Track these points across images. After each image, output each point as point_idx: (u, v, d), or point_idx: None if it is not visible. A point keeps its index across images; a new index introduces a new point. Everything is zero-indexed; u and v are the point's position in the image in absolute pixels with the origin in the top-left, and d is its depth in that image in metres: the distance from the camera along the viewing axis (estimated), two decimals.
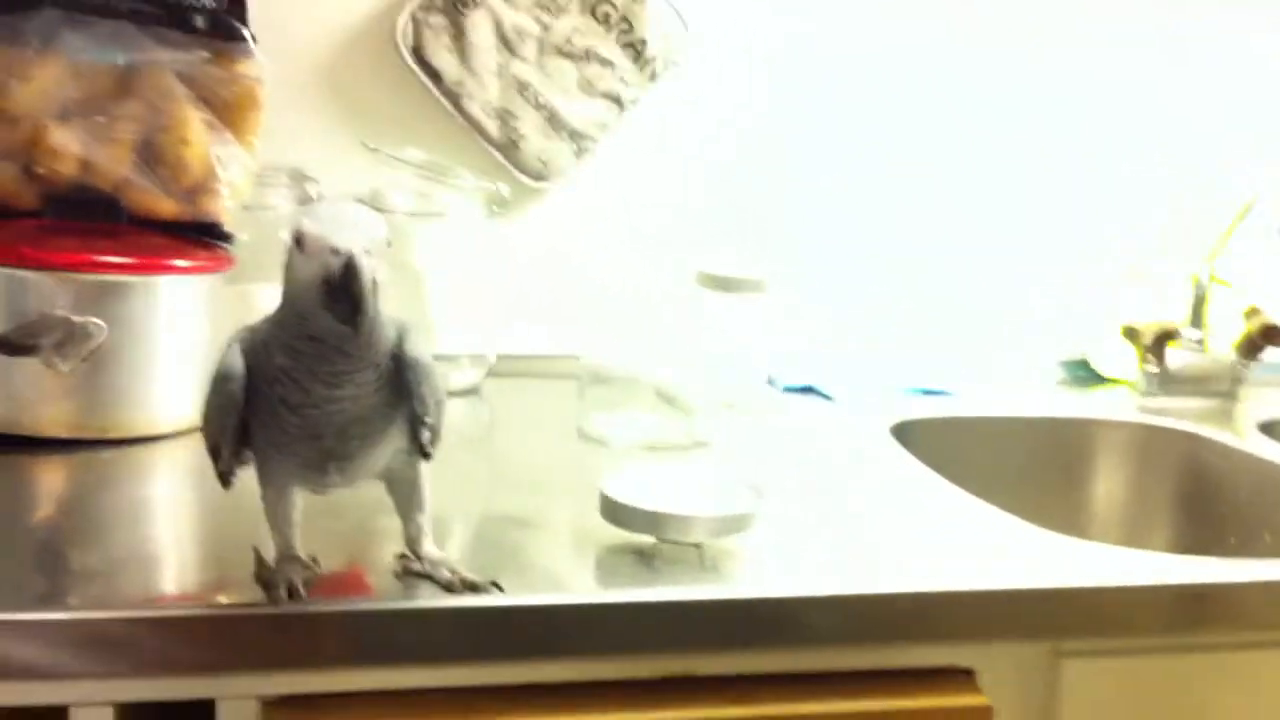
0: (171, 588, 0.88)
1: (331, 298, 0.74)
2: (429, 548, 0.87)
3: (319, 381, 0.77)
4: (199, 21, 1.23)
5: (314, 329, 0.76)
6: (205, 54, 1.24)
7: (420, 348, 0.81)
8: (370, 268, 0.73)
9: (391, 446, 0.83)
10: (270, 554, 0.84)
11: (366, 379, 0.78)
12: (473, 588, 0.84)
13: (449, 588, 0.84)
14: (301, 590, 0.81)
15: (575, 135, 1.53)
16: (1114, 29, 1.67)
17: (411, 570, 0.87)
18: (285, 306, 0.78)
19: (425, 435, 0.83)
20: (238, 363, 0.79)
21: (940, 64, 1.64)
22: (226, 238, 1.23)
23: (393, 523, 0.89)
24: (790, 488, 1.16)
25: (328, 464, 0.81)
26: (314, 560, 0.85)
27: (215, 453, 0.81)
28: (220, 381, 0.79)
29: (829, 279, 1.64)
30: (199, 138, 1.21)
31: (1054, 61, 1.67)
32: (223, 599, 0.82)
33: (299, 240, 0.75)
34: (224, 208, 1.23)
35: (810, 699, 0.90)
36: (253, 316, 0.81)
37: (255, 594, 0.82)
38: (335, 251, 0.73)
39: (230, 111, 1.25)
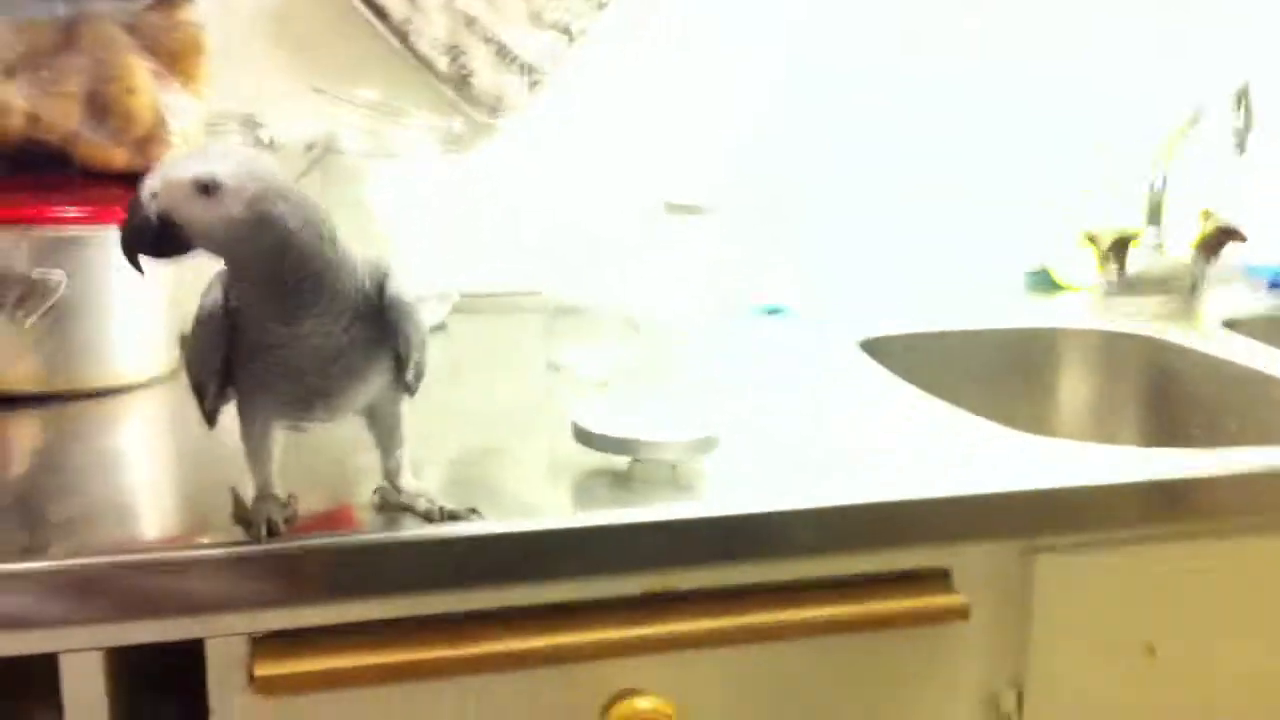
0: (153, 532, 0.88)
1: None
2: (408, 479, 0.88)
3: (275, 320, 0.78)
4: None
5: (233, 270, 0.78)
6: (147, 2, 1.23)
7: (401, 287, 0.81)
8: (155, 207, 0.74)
9: (376, 383, 0.84)
10: (248, 494, 0.85)
11: (326, 318, 0.78)
12: (452, 516, 0.85)
13: (428, 517, 0.85)
14: (281, 527, 0.82)
15: (526, 68, 1.52)
16: None
17: (391, 502, 0.88)
18: None
19: (410, 373, 0.84)
20: (218, 301, 0.79)
21: None
22: None
23: (368, 460, 0.89)
24: (762, 402, 1.17)
25: (313, 400, 0.82)
26: (292, 497, 0.85)
27: (200, 391, 0.82)
28: (202, 321, 0.80)
29: (793, 201, 1.64)
30: (145, 86, 1.20)
31: None
32: (205, 539, 0.82)
33: None
34: None
35: (791, 607, 0.91)
36: (208, 264, 0.81)
37: (236, 534, 0.82)
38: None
39: (176, 59, 1.24)
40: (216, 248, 0.76)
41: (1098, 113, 1.72)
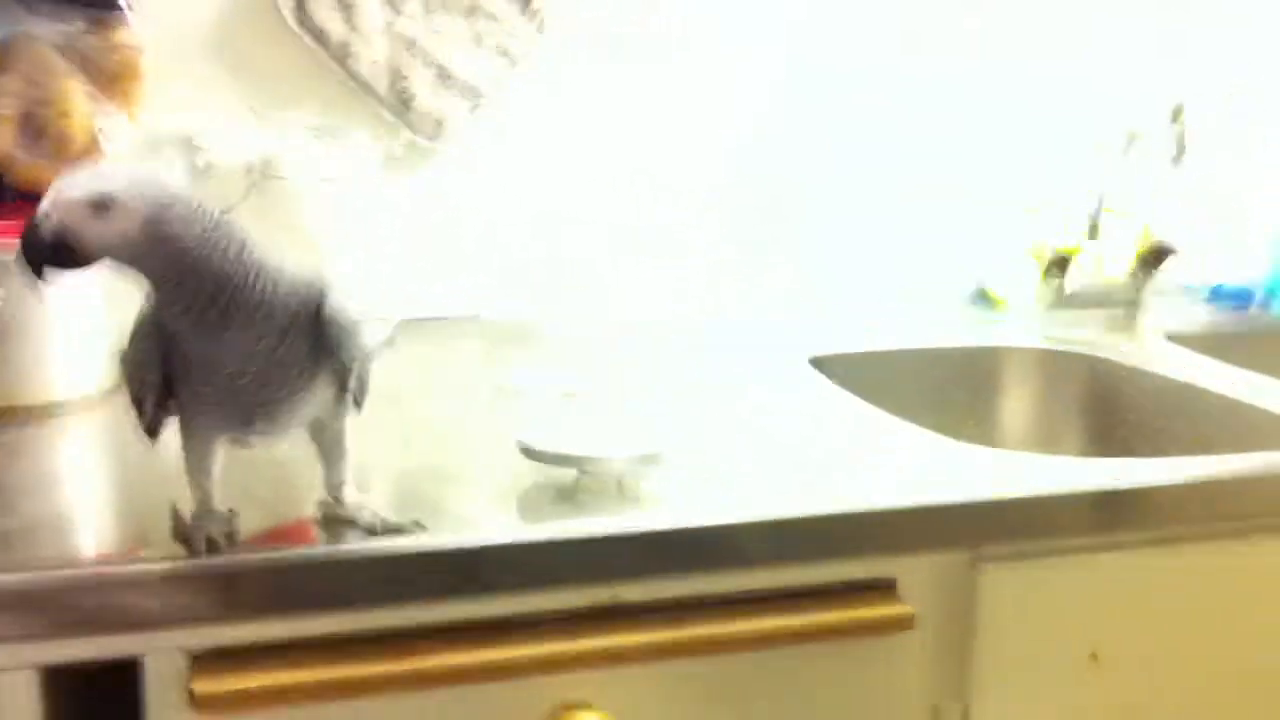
0: (91, 549, 0.87)
1: None
2: (351, 493, 0.87)
3: (194, 335, 0.78)
4: None
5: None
6: (82, 24, 1.22)
7: (340, 302, 0.81)
8: (50, 226, 0.73)
9: (318, 399, 0.83)
10: (188, 510, 0.83)
11: (248, 331, 0.78)
12: (395, 529, 0.85)
13: (371, 530, 0.85)
14: (221, 543, 0.81)
15: (467, 91, 1.52)
16: None
17: (333, 516, 0.87)
18: None
19: (353, 388, 0.84)
20: (149, 315, 0.79)
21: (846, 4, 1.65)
22: None
23: (312, 474, 0.88)
24: (708, 417, 1.18)
25: (253, 416, 0.82)
26: (232, 513, 0.84)
27: (138, 406, 0.82)
28: (135, 335, 0.80)
29: (738, 220, 1.64)
30: (80, 109, 1.19)
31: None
32: (144, 555, 0.81)
33: None
34: None
35: (735, 619, 0.91)
36: None
37: (175, 550, 0.81)
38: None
39: (112, 82, 1.23)
40: (116, 264, 0.76)
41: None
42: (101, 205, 0.74)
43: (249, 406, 0.81)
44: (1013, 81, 1.71)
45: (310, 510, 0.88)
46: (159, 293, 0.77)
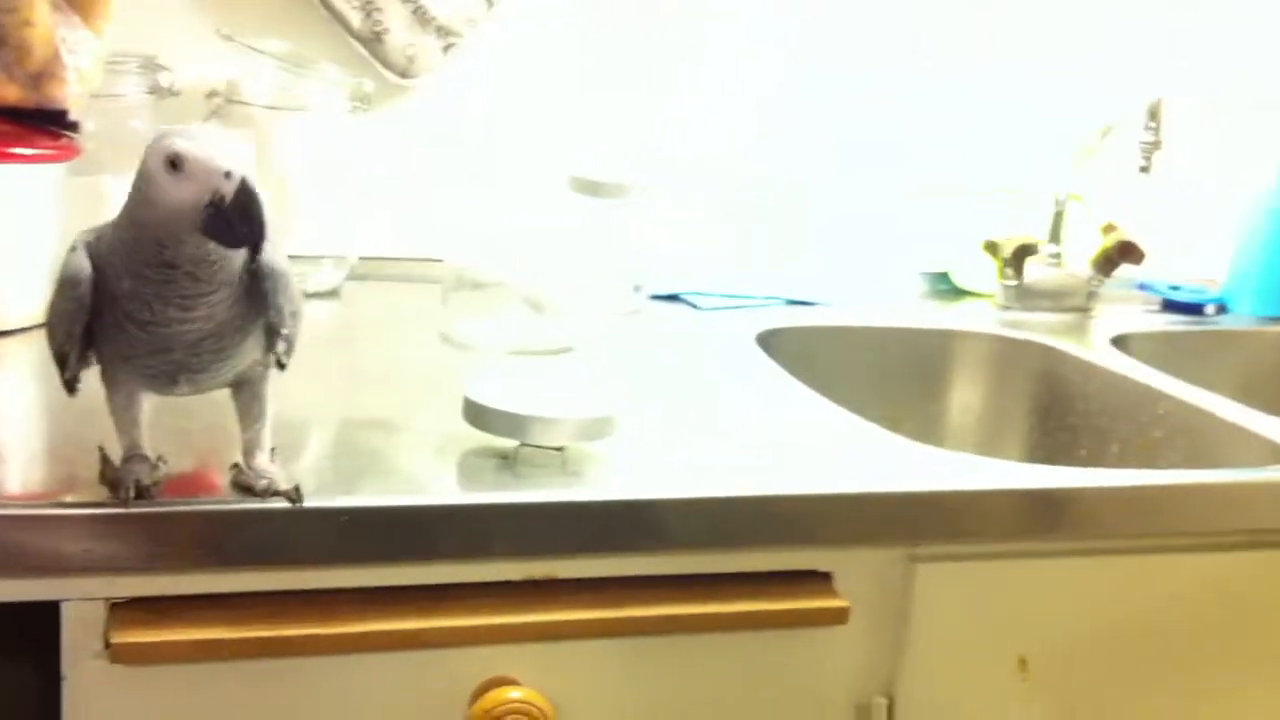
0: (16, 486, 0.85)
1: (220, 221, 0.71)
2: (261, 460, 0.83)
3: (170, 305, 0.74)
4: None
5: (173, 256, 0.73)
6: None
7: (278, 256, 0.78)
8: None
9: (247, 357, 0.80)
10: (117, 454, 0.81)
11: (220, 298, 0.75)
12: (276, 494, 0.81)
13: (253, 493, 0.81)
14: (149, 490, 0.79)
15: (442, 30, 1.49)
16: None
17: (239, 481, 0.83)
18: (139, 230, 0.74)
19: (281, 346, 0.80)
20: (85, 267, 0.75)
21: None
22: (73, 126, 1.18)
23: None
24: (654, 393, 1.16)
25: (178, 375, 0.78)
26: (161, 460, 0.82)
27: (61, 359, 0.78)
28: (66, 287, 0.76)
29: (699, 189, 1.63)
30: (43, 20, 1.15)
31: None
32: (69, 498, 0.79)
33: (175, 161, 0.71)
34: (71, 95, 1.17)
35: (669, 602, 0.90)
36: (100, 209, 0.77)
37: (102, 494, 0.79)
38: (226, 174, 0.70)
39: None
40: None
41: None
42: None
43: (176, 368, 0.78)
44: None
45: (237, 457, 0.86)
46: (187, 265, 0.73)
